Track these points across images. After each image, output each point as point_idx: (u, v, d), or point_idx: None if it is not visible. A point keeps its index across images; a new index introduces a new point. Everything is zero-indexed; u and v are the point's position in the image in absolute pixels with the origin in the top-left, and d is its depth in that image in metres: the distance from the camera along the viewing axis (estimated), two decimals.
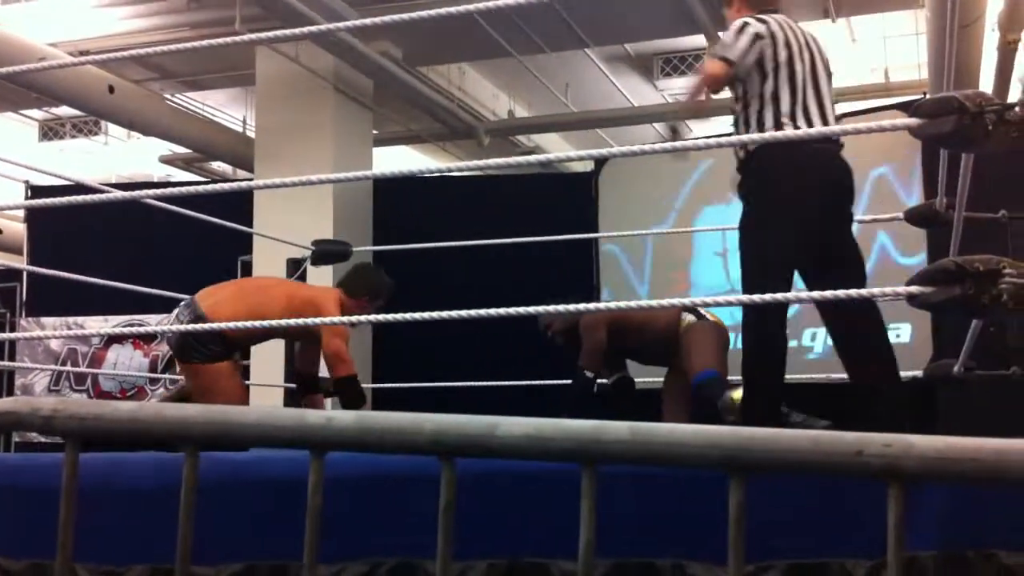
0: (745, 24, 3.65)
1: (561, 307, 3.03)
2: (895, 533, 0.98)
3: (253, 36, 3.53)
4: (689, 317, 4.98)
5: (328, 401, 5.22)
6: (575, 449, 1.04)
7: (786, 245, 3.55)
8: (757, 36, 3.61)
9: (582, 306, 3.17)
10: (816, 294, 2.97)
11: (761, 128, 3.58)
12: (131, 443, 4.19)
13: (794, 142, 3.41)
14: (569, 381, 5.27)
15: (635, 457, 1.04)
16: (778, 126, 3.55)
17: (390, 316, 3.29)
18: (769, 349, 3.58)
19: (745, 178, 3.68)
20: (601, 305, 3.55)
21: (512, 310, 3.01)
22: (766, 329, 3.56)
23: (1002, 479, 0.93)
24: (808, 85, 3.64)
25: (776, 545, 2.37)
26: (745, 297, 3.32)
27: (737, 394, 4.76)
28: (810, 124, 3.58)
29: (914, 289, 2.61)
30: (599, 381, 5.23)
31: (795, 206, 3.51)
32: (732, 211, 6.18)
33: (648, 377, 5.74)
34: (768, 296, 2.99)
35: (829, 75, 3.79)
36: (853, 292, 2.88)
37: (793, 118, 3.58)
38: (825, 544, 2.39)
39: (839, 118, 3.89)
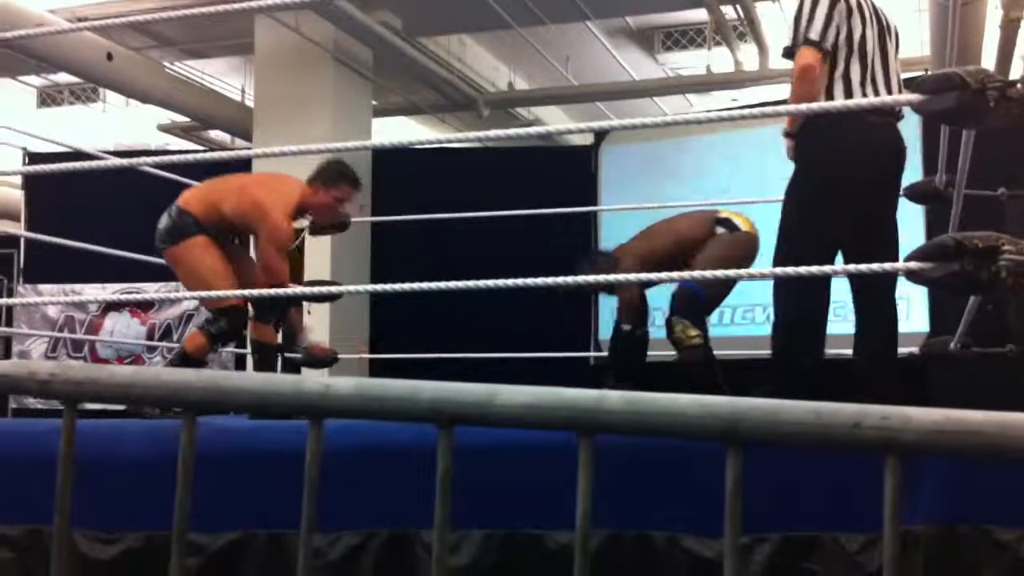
0: None
1: (569, 279, 3.03)
2: (891, 506, 0.98)
3: (252, 4, 3.51)
4: (721, 231, 4.97)
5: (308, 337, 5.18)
6: (573, 419, 1.04)
7: (833, 222, 3.44)
8: (833, 2, 3.44)
9: (591, 277, 3.16)
10: (828, 268, 2.96)
11: (829, 97, 3.45)
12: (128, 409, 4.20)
13: (852, 115, 3.28)
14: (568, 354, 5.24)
15: (632, 428, 1.04)
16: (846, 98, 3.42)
17: (388, 286, 3.29)
18: (803, 326, 3.46)
19: (799, 143, 3.55)
20: (621, 277, 3.55)
21: (511, 281, 3.00)
22: (802, 304, 3.44)
23: (1002, 453, 0.93)
24: (877, 56, 3.52)
25: (771, 517, 2.38)
26: (779, 270, 3.27)
27: (692, 332, 4.77)
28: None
29: (913, 265, 2.61)
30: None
31: (847, 181, 3.39)
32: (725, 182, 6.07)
33: (660, 351, 5.74)
34: (803, 269, 2.93)
35: (897, 44, 3.67)
36: (851, 267, 2.88)
37: (863, 91, 3.45)
38: (819, 517, 2.40)
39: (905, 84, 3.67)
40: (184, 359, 4.50)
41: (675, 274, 3.60)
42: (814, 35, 3.42)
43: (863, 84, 3.46)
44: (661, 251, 5.06)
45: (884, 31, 3.61)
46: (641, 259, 5.02)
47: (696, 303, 4.86)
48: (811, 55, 3.42)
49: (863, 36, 3.49)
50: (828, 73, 3.45)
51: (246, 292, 4.21)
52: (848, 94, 3.43)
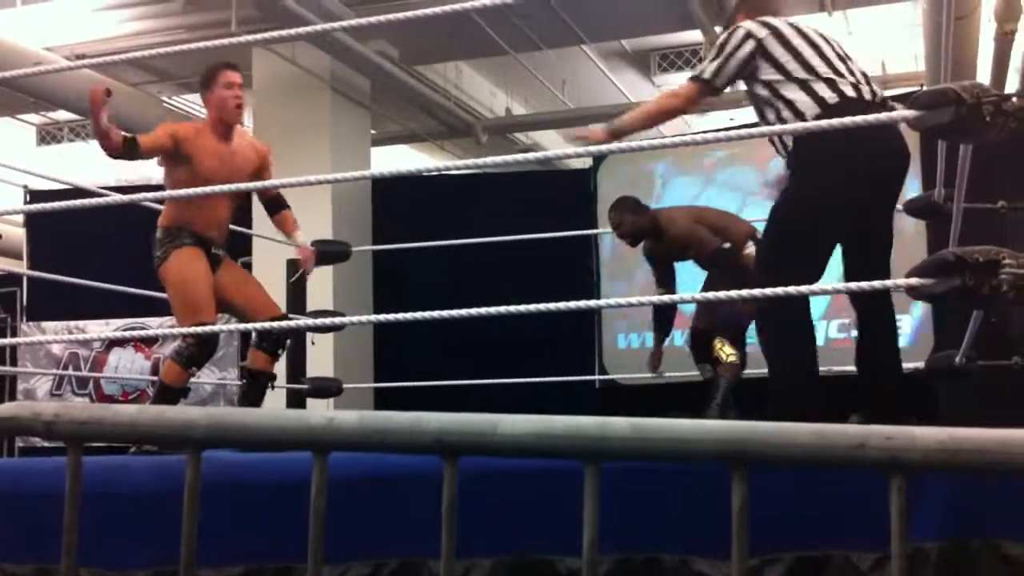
0: (736, 28, 3.54)
1: (581, 303, 3.03)
2: (898, 525, 0.98)
3: (249, 37, 3.54)
4: (751, 248, 5.01)
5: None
6: (577, 446, 1.04)
7: (833, 231, 3.40)
8: (748, 35, 3.48)
9: (602, 302, 3.16)
10: (830, 286, 2.96)
11: (817, 100, 3.38)
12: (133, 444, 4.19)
13: (835, 111, 3.20)
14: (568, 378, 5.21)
15: (637, 453, 1.04)
16: (826, 104, 3.35)
17: (390, 316, 3.29)
18: (791, 336, 3.38)
19: (796, 153, 3.48)
20: (667, 298, 3.54)
21: (512, 308, 3.01)
22: (785, 315, 3.35)
23: (1005, 469, 0.93)
24: (839, 60, 3.48)
25: (781, 538, 2.37)
26: (757, 291, 3.26)
27: (729, 350, 4.84)
28: (861, 94, 3.39)
29: (914, 281, 2.61)
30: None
31: (852, 183, 3.31)
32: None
33: (679, 372, 5.75)
34: (816, 287, 2.93)
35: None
36: (853, 285, 2.88)
37: (849, 83, 3.40)
38: (830, 536, 2.39)
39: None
40: (164, 391, 4.44)
41: (677, 297, 3.62)
42: (708, 76, 3.52)
43: (843, 76, 3.42)
44: (709, 221, 5.11)
45: (834, 43, 3.59)
46: (699, 224, 5.06)
47: (738, 329, 4.93)
48: (694, 94, 3.56)
49: (815, 45, 3.48)
50: (801, 84, 3.41)
51: (252, 326, 4.21)
52: (835, 89, 3.37)
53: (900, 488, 0.96)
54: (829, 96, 3.37)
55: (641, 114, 3.64)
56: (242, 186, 4.21)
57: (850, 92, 3.39)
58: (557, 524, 2.33)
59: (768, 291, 2.88)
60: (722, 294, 3.11)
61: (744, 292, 2.94)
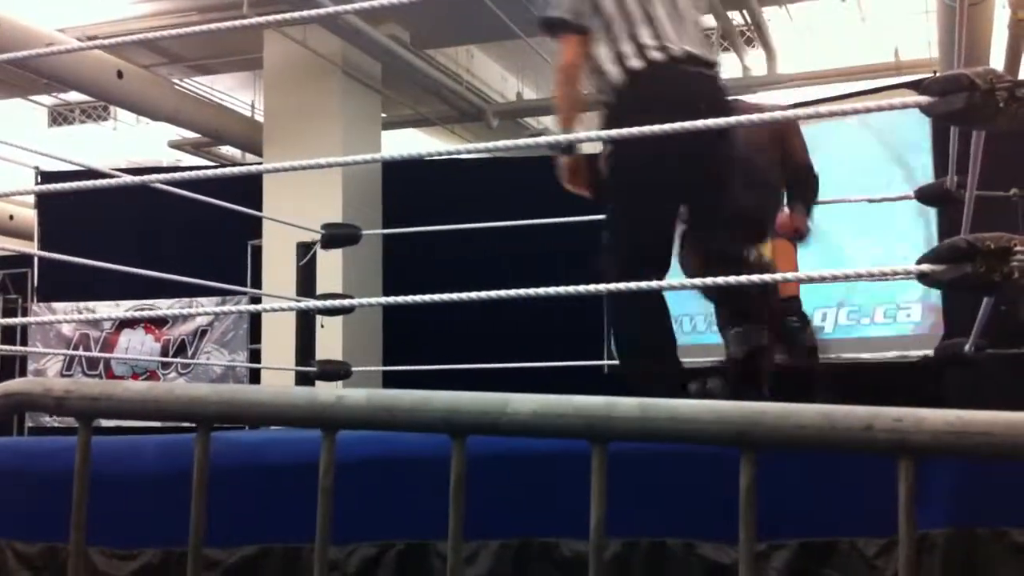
0: None
1: (585, 287, 3.02)
2: (906, 509, 0.98)
3: (260, 19, 3.52)
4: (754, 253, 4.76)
5: None
6: (585, 426, 1.04)
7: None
8: None
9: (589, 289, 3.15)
10: (824, 272, 2.94)
11: (630, 61, 3.18)
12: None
13: (641, 77, 3.09)
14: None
15: (644, 434, 1.04)
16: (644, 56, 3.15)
17: (400, 298, 3.29)
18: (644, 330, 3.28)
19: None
20: (676, 282, 3.53)
21: (522, 292, 3.01)
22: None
23: (1015, 454, 0.92)
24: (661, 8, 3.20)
25: (787, 523, 2.37)
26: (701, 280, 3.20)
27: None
28: (667, 50, 3.16)
29: (925, 267, 2.60)
30: None
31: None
32: None
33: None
34: (803, 274, 2.93)
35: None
36: (850, 271, 2.86)
37: (651, 49, 3.15)
38: (837, 521, 2.39)
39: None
40: None
41: (688, 282, 3.54)
42: (567, 13, 3.33)
43: (652, 44, 3.17)
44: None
45: None
46: None
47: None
48: (571, 47, 3.34)
49: None
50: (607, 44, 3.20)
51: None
52: (642, 56, 3.18)
53: (908, 470, 0.96)
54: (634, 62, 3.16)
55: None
56: (239, 169, 4.21)
57: (655, 54, 3.15)
58: (565, 506, 2.34)
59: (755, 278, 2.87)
60: (732, 279, 3.08)
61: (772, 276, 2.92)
